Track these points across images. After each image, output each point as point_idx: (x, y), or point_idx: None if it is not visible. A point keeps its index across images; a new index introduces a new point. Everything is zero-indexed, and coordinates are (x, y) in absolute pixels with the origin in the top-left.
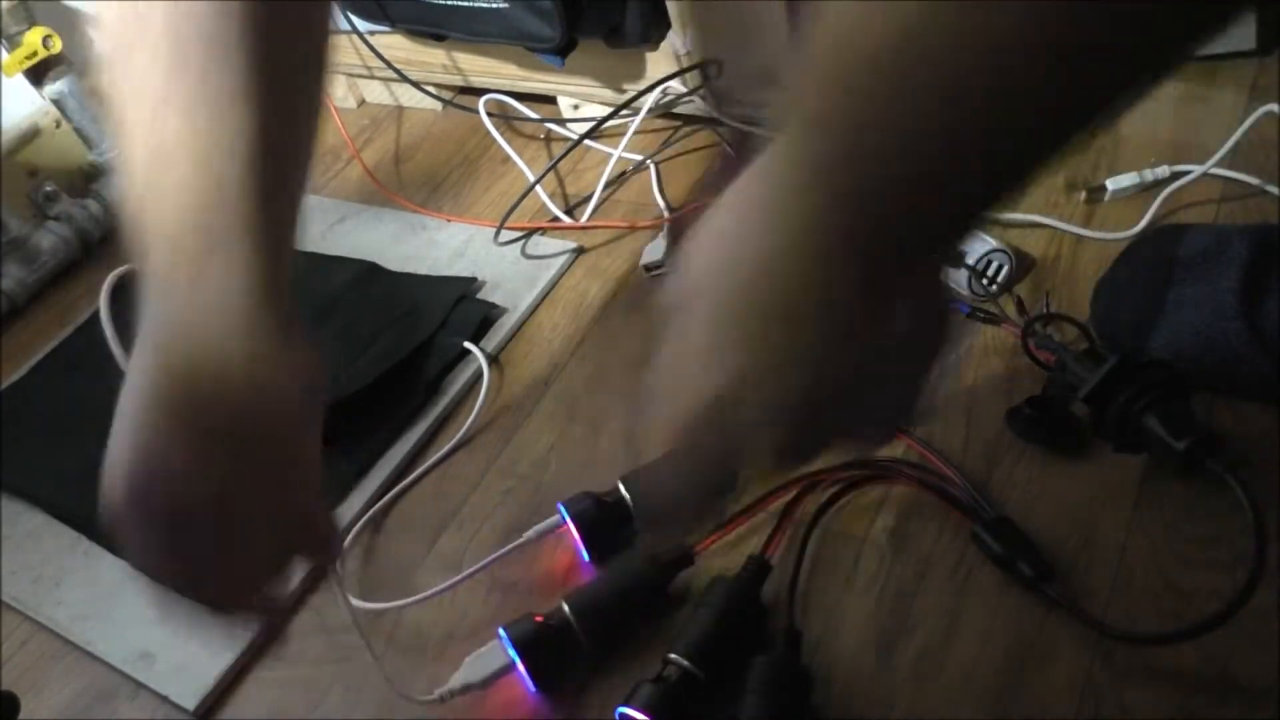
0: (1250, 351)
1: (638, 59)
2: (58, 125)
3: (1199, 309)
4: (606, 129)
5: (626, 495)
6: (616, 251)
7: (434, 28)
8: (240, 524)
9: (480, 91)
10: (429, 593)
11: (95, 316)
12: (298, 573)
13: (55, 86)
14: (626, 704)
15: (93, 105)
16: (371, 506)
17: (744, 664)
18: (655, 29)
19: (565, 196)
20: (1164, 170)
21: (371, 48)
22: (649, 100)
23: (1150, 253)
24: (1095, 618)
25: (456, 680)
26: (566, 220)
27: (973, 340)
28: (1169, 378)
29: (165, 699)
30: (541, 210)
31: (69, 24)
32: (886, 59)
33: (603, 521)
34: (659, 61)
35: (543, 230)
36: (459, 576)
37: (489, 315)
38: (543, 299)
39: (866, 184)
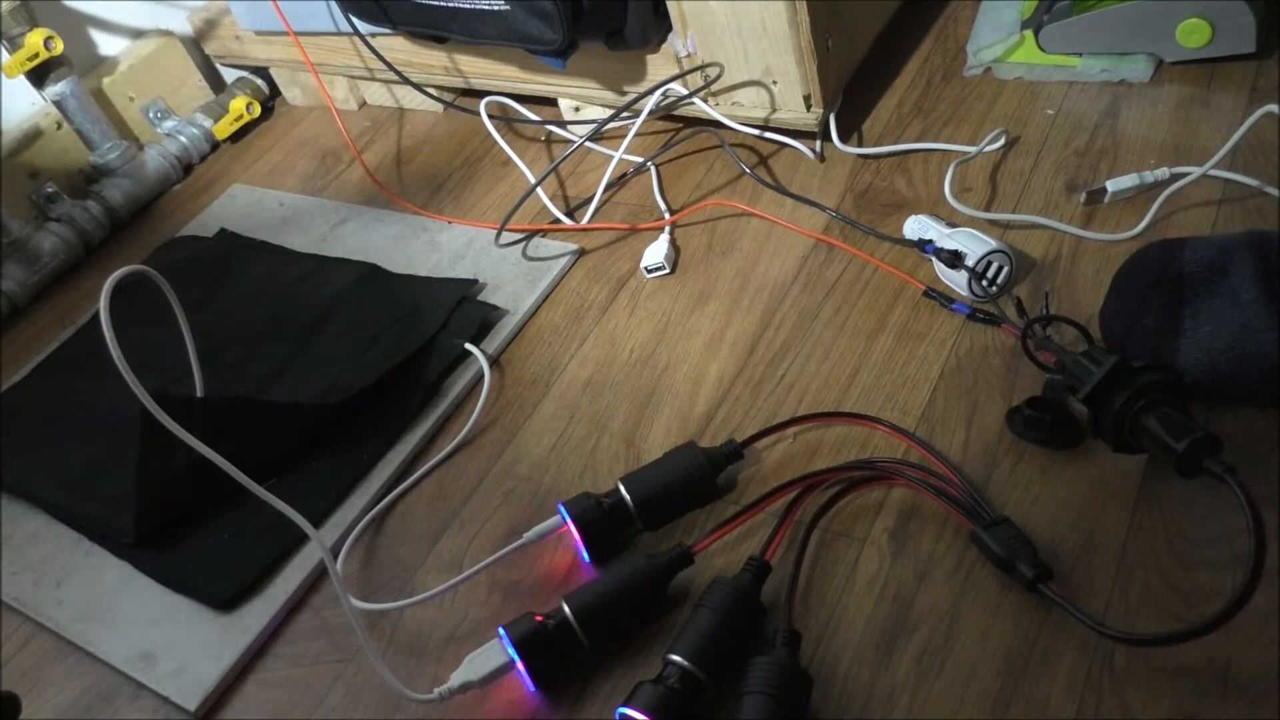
0: None
1: (638, 61)
2: (59, 126)
3: (1222, 324)
4: (607, 131)
5: (626, 496)
6: (617, 253)
7: (435, 30)
8: None
9: (481, 93)
10: (429, 593)
11: (96, 318)
12: (299, 573)
13: (56, 88)
14: (626, 704)
15: (93, 107)
16: (373, 507)
17: (744, 664)
18: (656, 31)
19: (566, 198)
20: (1164, 172)
21: (373, 49)
22: (650, 102)
23: (1153, 275)
24: (1095, 618)
25: (456, 679)
26: (567, 222)
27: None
28: (1167, 379)
29: (166, 699)
30: (542, 212)
31: (71, 25)
32: None
33: (603, 522)
34: (660, 64)
35: (544, 232)
36: (459, 577)
37: (490, 317)
38: (543, 300)
39: None
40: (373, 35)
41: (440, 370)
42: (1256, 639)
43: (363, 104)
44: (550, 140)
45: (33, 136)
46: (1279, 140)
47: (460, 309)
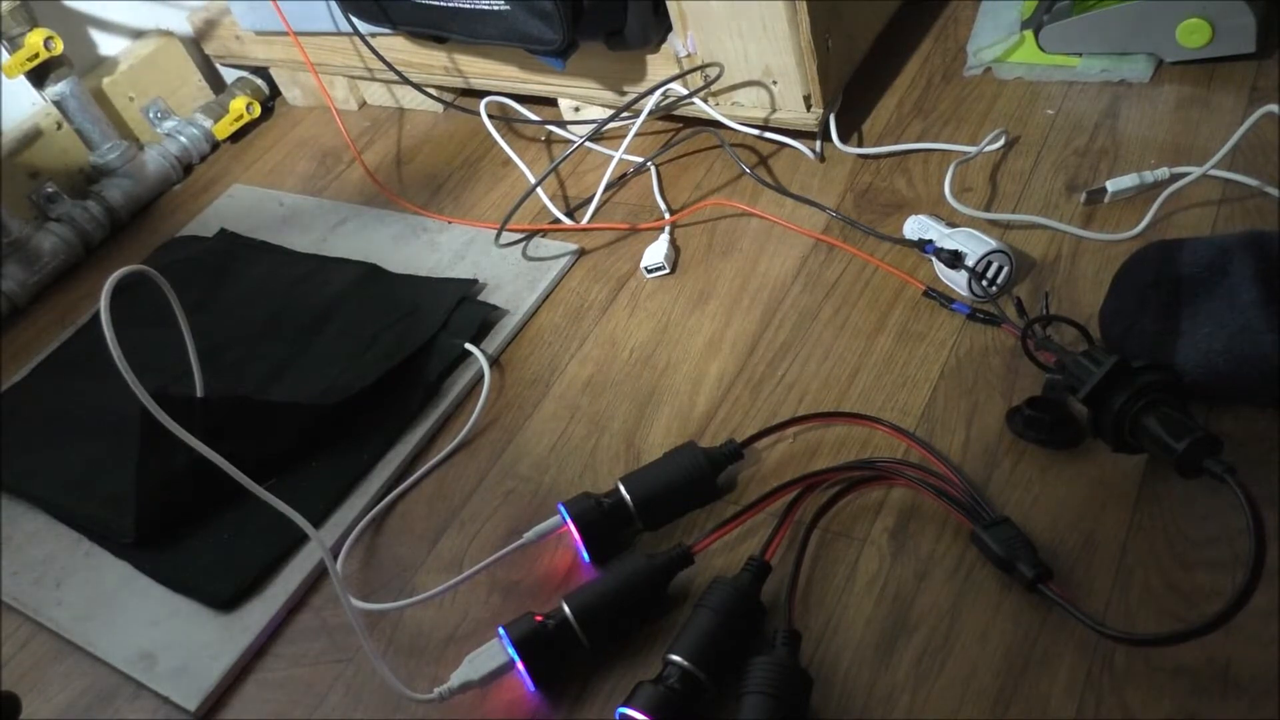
0: None
1: (638, 61)
2: (59, 126)
3: (1221, 325)
4: (607, 131)
5: (626, 496)
6: (617, 253)
7: (435, 30)
8: None
9: (481, 94)
10: (429, 593)
11: (96, 317)
12: (299, 573)
13: (56, 88)
14: (626, 704)
15: (93, 107)
16: (373, 507)
17: (744, 664)
18: (656, 31)
19: (566, 198)
20: (1164, 172)
21: (373, 49)
22: (650, 102)
23: (1152, 275)
24: (1095, 618)
25: (456, 679)
26: (567, 222)
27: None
28: (1167, 379)
29: (166, 700)
30: (542, 212)
31: (71, 25)
32: None
33: (603, 522)
34: (659, 64)
35: (544, 232)
36: (459, 577)
37: (490, 317)
38: (543, 300)
39: None
40: (373, 35)
41: (440, 370)
42: (1256, 639)
43: (363, 104)
44: (550, 140)
45: (33, 136)
46: (1279, 140)
47: (460, 309)
